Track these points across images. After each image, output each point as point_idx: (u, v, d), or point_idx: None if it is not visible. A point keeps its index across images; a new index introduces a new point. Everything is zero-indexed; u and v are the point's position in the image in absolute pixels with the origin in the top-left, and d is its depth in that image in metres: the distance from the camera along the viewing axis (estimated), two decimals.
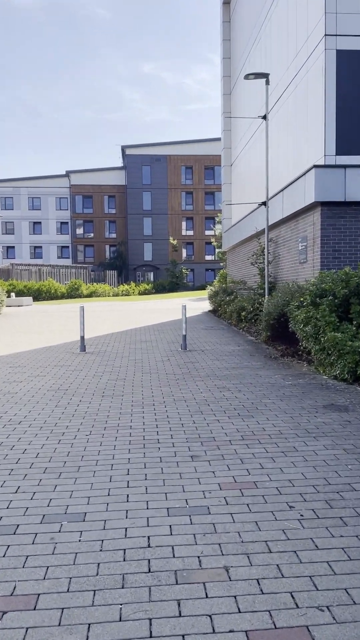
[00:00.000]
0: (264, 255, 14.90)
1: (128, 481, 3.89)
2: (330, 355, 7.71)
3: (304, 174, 11.62)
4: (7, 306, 29.09)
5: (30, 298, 32.00)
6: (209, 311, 21.62)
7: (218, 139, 61.23)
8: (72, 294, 40.08)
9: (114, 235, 63.31)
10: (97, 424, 5.43)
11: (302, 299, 9.35)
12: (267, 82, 13.15)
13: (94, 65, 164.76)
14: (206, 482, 3.86)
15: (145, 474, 4.00)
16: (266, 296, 13.34)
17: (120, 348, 11.55)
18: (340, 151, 11.49)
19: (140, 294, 46.52)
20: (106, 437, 5.00)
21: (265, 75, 13.02)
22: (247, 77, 13.04)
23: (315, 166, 11.04)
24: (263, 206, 14.92)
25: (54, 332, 14.96)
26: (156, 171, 60.68)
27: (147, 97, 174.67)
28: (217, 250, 37.59)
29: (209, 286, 23.35)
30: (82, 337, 10.99)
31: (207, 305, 24.97)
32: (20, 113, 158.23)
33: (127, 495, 3.63)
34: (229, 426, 5.28)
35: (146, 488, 3.75)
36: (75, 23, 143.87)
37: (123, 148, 60.67)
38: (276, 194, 13.63)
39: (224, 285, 22.16)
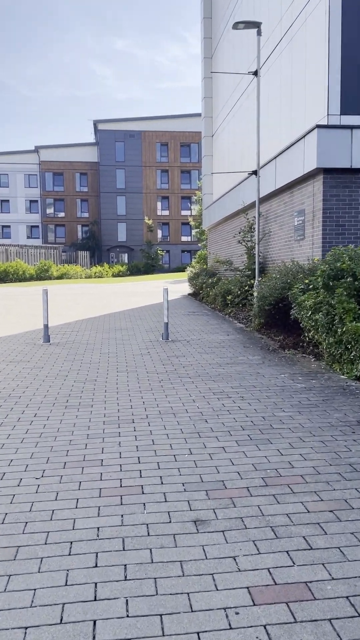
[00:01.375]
0: (253, 232, 13.37)
1: (95, 590, 2.33)
2: (350, 350, 6.26)
3: (304, 136, 10.06)
4: None
5: None
6: (189, 294, 20.07)
7: (195, 115, 59.30)
8: (42, 275, 37.96)
9: (86, 215, 60.81)
10: (54, 459, 3.84)
11: (307, 281, 7.87)
12: (259, 33, 11.46)
13: (65, 40, 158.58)
14: (226, 583, 2.34)
15: (125, 573, 2.44)
16: (257, 278, 11.85)
17: (92, 338, 9.91)
18: (345, 110, 9.94)
19: (114, 276, 44.60)
20: (65, 484, 3.41)
21: (256, 25, 11.32)
22: (235, 26, 11.32)
23: (318, 126, 9.49)
24: (252, 177, 13.32)
25: (15, 318, 13.18)
26: (130, 148, 58.23)
27: (119, 74, 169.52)
28: (194, 230, 35.92)
29: (189, 267, 21.78)
30: (46, 326, 9.31)
31: (186, 288, 23.40)
32: None
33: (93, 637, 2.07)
34: (241, 459, 3.76)
35: (126, 609, 2.19)
36: None
37: (95, 123, 57.94)
38: (268, 163, 12.04)
39: (205, 267, 20.60)
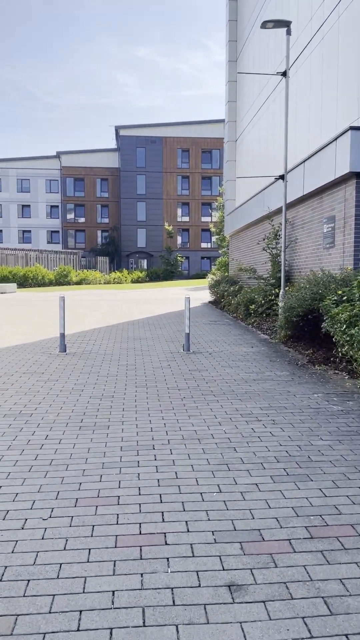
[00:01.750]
0: (278, 239, 12.85)
1: None
2: None
3: (335, 138, 9.54)
4: None
5: (14, 285, 29.77)
6: (210, 302, 19.58)
7: (217, 121, 59.02)
8: (61, 280, 37.87)
9: (106, 220, 60.85)
10: (64, 493, 3.39)
11: (340, 292, 7.33)
12: (289, 32, 10.99)
13: (88, 49, 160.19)
14: None
15: None
16: (282, 287, 11.32)
17: (109, 347, 9.49)
18: None
19: (133, 282, 44.36)
20: (75, 528, 2.96)
21: (286, 24, 10.85)
22: (264, 25, 10.86)
23: (352, 128, 8.96)
24: (278, 182, 12.83)
25: (32, 325, 12.85)
26: (151, 153, 58.16)
27: (141, 81, 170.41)
28: (215, 237, 35.42)
29: (209, 275, 21.33)
30: (62, 335, 8.91)
31: (206, 296, 22.93)
32: (14, 96, 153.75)
33: None
34: (279, 501, 3.26)
35: None
36: (70, 6, 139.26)
37: (117, 129, 58.02)
38: (296, 167, 11.53)
39: (226, 274, 20.11)
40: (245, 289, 14.73)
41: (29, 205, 61.34)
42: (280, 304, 11.14)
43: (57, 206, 61.03)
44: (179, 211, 59.55)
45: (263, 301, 12.35)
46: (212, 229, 36.39)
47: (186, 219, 59.65)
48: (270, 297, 12.26)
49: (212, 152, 58.98)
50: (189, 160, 58.95)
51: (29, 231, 61.42)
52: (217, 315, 15.28)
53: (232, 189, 20.16)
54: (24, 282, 35.63)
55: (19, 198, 60.94)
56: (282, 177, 11.20)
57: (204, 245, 59.67)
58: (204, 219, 59.06)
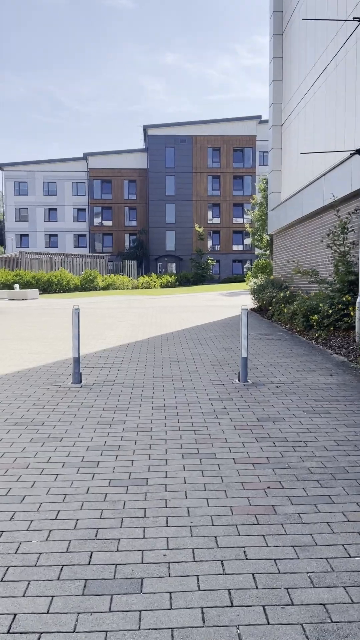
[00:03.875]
0: (347, 232, 10.33)
1: None
2: None
3: None
4: (9, 299, 25.05)
5: (36, 291, 27.87)
6: (252, 310, 17.10)
7: (249, 118, 56.46)
8: (87, 286, 35.93)
9: (134, 223, 58.93)
10: None
11: None
12: None
13: (116, 57, 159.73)
14: None
15: None
16: None
17: (139, 375, 7.15)
18: None
19: (162, 286, 42.14)
20: None
21: None
22: None
23: None
24: (344, 165, 10.35)
25: (46, 342, 10.63)
26: (180, 153, 55.99)
27: (169, 88, 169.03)
28: (252, 237, 32.93)
29: (248, 278, 18.85)
30: (77, 360, 6.61)
31: (246, 302, 20.43)
32: (44, 105, 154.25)
33: None
34: None
35: None
36: (98, 14, 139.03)
37: (145, 128, 56.14)
38: None
39: (271, 277, 17.61)
40: (301, 295, 12.21)
41: (55, 209, 59.98)
42: (357, 316, 8.63)
43: (84, 209, 59.47)
44: (210, 213, 57.16)
45: (330, 311, 9.83)
46: (249, 229, 33.89)
47: (217, 220, 57.21)
48: (339, 306, 9.74)
49: (244, 150, 56.47)
50: (220, 160, 56.55)
51: (56, 235, 60.04)
52: (266, 326, 12.80)
53: (278, 181, 17.67)
54: (47, 288, 33.80)
55: (45, 201, 59.64)
56: (359, 151, 8.70)
57: (235, 247, 57.12)
58: (235, 220, 56.56)
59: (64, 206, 59.87)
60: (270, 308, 14.25)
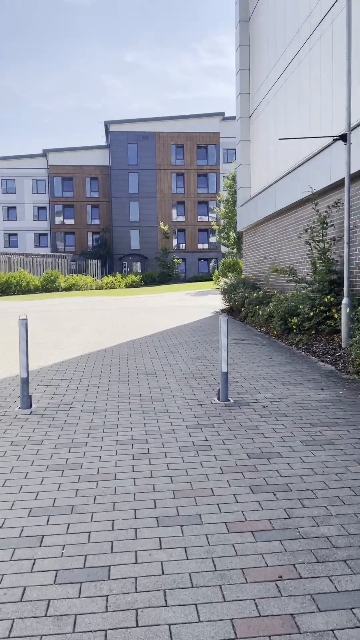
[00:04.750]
0: (327, 228, 9.53)
1: None
2: None
3: None
4: None
5: None
6: (223, 311, 16.23)
7: (213, 114, 55.72)
8: (48, 287, 34.40)
9: (97, 222, 57.36)
10: None
11: None
12: None
13: (77, 53, 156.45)
14: None
15: None
16: (346, 294, 8.01)
17: (101, 396, 6.09)
18: None
19: (127, 286, 40.93)
20: None
21: None
22: None
23: None
24: (323, 154, 9.57)
25: None
26: (143, 150, 54.79)
27: (131, 85, 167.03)
28: (219, 234, 32.12)
29: (220, 277, 18.02)
30: (25, 381, 5.49)
31: (215, 303, 19.57)
32: (4, 101, 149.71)
33: None
34: None
35: None
36: (58, 11, 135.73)
37: (106, 124, 54.67)
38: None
39: (242, 277, 16.78)
40: (277, 295, 11.37)
41: (14, 207, 57.77)
42: (343, 319, 7.82)
43: (45, 207, 57.52)
44: (174, 210, 56.17)
45: (311, 313, 8.99)
46: (215, 227, 33.07)
47: (182, 218, 56.27)
48: (321, 308, 8.92)
49: (208, 147, 55.76)
50: (184, 157, 55.63)
51: (15, 234, 57.85)
52: (240, 329, 11.90)
53: (247, 175, 16.82)
54: (6, 290, 32.13)
55: (3, 200, 57.36)
56: (343, 137, 7.87)
57: (201, 246, 56.34)
58: (200, 218, 55.79)
59: (23, 204, 57.75)
60: (242, 309, 13.38)
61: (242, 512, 3.11)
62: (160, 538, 2.83)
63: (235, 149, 55.86)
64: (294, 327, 9.50)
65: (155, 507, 3.20)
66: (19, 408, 5.52)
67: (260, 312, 11.49)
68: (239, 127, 16.90)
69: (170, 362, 8.16)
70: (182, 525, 2.96)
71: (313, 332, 9.12)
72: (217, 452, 4.15)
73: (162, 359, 8.39)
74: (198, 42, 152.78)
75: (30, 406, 5.55)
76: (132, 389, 6.42)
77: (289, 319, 9.73)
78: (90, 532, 2.90)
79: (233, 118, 54.92)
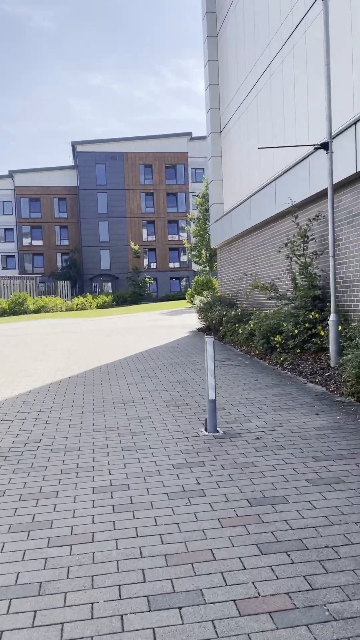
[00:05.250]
0: (308, 242, 9.14)
1: None
2: None
3: None
4: None
5: None
6: (199, 330, 15.70)
7: (180, 134, 56.00)
8: (16, 309, 33.34)
9: (66, 242, 56.53)
10: None
11: None
12: None
13: (43, 77, 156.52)
14: None
15: None
16: (332, 310, 7.58)
17: (72, 430, 5.42)
18: None
19: (98, 307, 40.13)
20: None
21: None
22: None
23: None
24: (300, 166, 9.25)
25: None
26: (112, 170, 54.52)
27: (97, 108, 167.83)
28: (191, 252, 31.81)
29: (195, 296, 17.57)
30: None
31: (191, 322, 19.06)
32: None
33: None
34: None
35: None
36: (21, 35, 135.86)
37: (74, 144, 54.29)
38: (343, 131, 7.86)
39: (217, 294, 16.34)
40: (257, 313, 10.91)
41: None
42: (331, 337, 7.37)
43: (12, 229, 56.40)
44: (144, 230, 55.86)
45: (296, 330, 8.53)
46: (186, 245, 32.76)
47: (152, 237, 55.99)
48: (305, 325, 8.47)
49: (177, 167, 55.91)
50: (153, 176, 55.60)
51: None
52: (220, 349, 11.37)
53: (219, 191, 16.52)
54: None
55: None
56: (324, 146, 7.52)
57: (172, 265, 56.08)
58: (171, 237, 55.63)
59: None
60: (221, 328, 12.87)
61: (252, 583, 2.51)
62: (154, 629, 2.20)
63: (203, 168, 56.37)
64: (277, 345, 9.02)
65: (145, 581, 2.56)
66: None
67: (240, 331, 10.99)
68: (209, 143, 16.63)
69: (148, 387, 7.54)
70: (180, 608, 2.34)
71: (298, 350, 8.65)
72: (212, 498, 3.54)
73: (140, 385, 7.76)
74: (163, 65, 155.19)
75: None
76: (108, 421, 5.76)
77: (272, 338, 9.26)
78: (63, 624, 2.25)
79: (200, 138, 55.61)
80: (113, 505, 3.48)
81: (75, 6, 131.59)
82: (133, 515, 3.33)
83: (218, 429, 5.19)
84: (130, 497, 3.62)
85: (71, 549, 2.92)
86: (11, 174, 55.37)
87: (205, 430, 5.17)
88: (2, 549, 2.95)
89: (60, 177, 56.24)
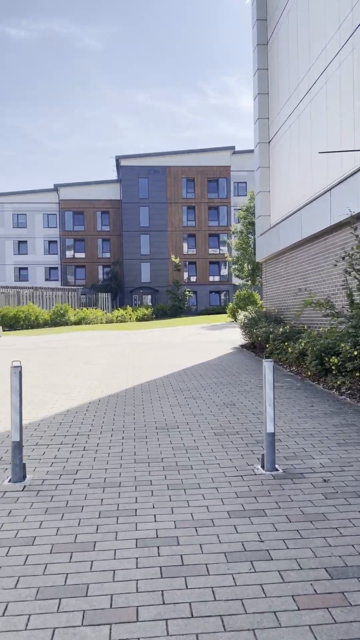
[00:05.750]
0: None
1: None
2: None
3: None
4: None
5: None
6: (242, 347, 15.02)
7: (223, 148, 55.80)
8: (57, 321, 33.47)
9: (107, 255, 57.00)
10: None
11: None
12: None
13: (88, 95, 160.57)
14: None
15: None
16: None
17: (112, 460, 4.88)
18: None
19: (138, 319, 39.94)
20: None
21: None
22: None
23: None
24: (357, 176, 8.53)
25: None
26: (154, 184, 54.76)
27: (141, 125, 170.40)
28: (233, 266, 31.20)
29: (239, 311, 16.91)
30: (17, 446, 4.30)
31: (233, 337, 18.40)
32: (17, 142, 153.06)
33: None
34: None
35: None
36: (68, 55, 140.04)
37: (117, 159, 54.87)
38: None
39: (263, 310, 15.64)
40: (309, 331, 10.17)
41: (25, 241, 57.69)
42: None
43: (56, 241, 57.36)
44: (185, 244, 55.68)
45: (355, 352, 7.77)
46: (228, 259, 32.18)
47: (192, 251, 55.73)
48: None
49: (219, 180, 55.64)
50: (195, 190, 55.50)
51: (26, 268, 57.57)
52: None
53: (266, 203, 15.90)
54: (14, 324, 31.21)
55: (15, 234, 57.36)
56: None
57: (212, 278, 55.58)
58: (211, 250, 55.22)
59: (34, 238, 57.66)
60: (267, 346, 12.16)
61: None
62: None
63: (246, 182, 55.83)
64: (333, 367, 8.26)
65: None
66: (9, 481, 4.31)
67: (289, 350, 10.27)
68: (257, 154, 16.07)
69: (193, 410, 6.94)
70: None
71: (357, 374, 7.87)
72: (281, 564, 2.90)
73: (184, 407, 7.17)
74: (205, 82, 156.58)
75: (24, 478, 4.35)
76: (151, 450, 5.19)
77: (327, 359, 8.51)
78: None
79: (243, 152, 55.30)
80: (160, 567, 2.89)
81: (122, 25, 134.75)
82: (185, 583, 2.72)
83: (277, 466, 4.54)
84: (181, 555, 3.02)
85: (110, 630, 2.34)
86: (56, 188, 56.42)
87: (262, 467, 4.52)
88: (26, 624, 2.40)
89: (103, 191, 56.92)
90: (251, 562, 2.93)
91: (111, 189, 57.12)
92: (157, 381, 9.48)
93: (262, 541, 3.18)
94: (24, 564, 2.96)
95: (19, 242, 57.69)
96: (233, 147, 55.45)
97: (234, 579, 2.76)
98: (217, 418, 6.49)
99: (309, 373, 9.25)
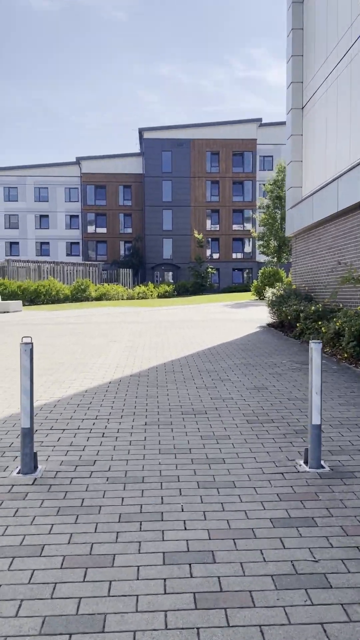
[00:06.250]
0: None
1: None
2: None
3: None
4: None
5: (19, 302, 25.02)
6: (269, 326, 14.35)
7: (249, 120, 54.01)
8: (78, 296, 33.10)
9: (129, 230, 56.24)
10: None
11: None
12: None
13: (112, 68, 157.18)
14: None
15: None
16: None
17: (134, 450, 4.35)
18: None
19: (159, 296, 39.37)
20: None
21: None
22: None
23: None
24: None
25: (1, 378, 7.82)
26: (178, 157, 53.46)
27: (164, 99, 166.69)
28: (258, 242, 30.28)
29: (267, 288, 16.20)
30: (27, 434, 3.79)
31: (258, 315, 17.72)
32: (40, 116, 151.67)
33: None
34: None
35: None
36: (92, 26, 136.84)
37: (140, 131, 53.65)
38: None
39: (292, 287, 14.90)
40: (345, 310, 9.45)
41: (47, 216, 57.24)
42: None
43: (77, 216, 56.78)
44: (208, 219, 54.53)
45: None
46: (254, 234, 31.21)
47: (216, 227, 54.57)
48: None
49: (244, 154, 54.03)
50: (219, 164, 54.05)
51: (47, 243, 57.26)
52: (298, 350, 10.02)
53: (298, 173, 15.00)
54: (35, 299, 30.94)
55: (36, 208, 56.93)
56: None
57: (235, 255, 54.47)
58: (235, 227, 53.99)
59: (56, 213, 57.18)
60: (298, 325, 11.48)
61: None
62: None
63: (272, 156, 54.15)
64: None
65: None
66: (18, 473, 3.82)
67: (323, 330, 9.59)
68: (289, 121, 15.10)
69: (222, 394, 6.38)
70: None
71: None
72: (343, 594, 2.34)
73: (211, 390, 6.61)
74: (231, 55, 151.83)
75: (35, 469, 3.85)
76: (177, 438, 4.66)
77: None
78: None
79: (270, 124, 53.49)
80: (194, 594, 2.35)
81: None
82: (226, 618, 2.18)
83: (322, 462, 3.96)
84: (218, 578, 2.48)
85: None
86: (78, 161, 55.60)
87: (306, 463, 3.95)
88: None
89: (126, 165, 55.89)
90: (306, 590, 2.38)
91: (134, 163, 56.04)
92: (181, 360, 8.93)
93: (317, 561, 2.62)
94: (29, 582, 2.45)
95: (41, 216, 57.28)
96: (260, 120, 53.67)
97: (286, 614, 2.21)
98: (249, 403, 5.92)
99: (346, 355, 8.58)
